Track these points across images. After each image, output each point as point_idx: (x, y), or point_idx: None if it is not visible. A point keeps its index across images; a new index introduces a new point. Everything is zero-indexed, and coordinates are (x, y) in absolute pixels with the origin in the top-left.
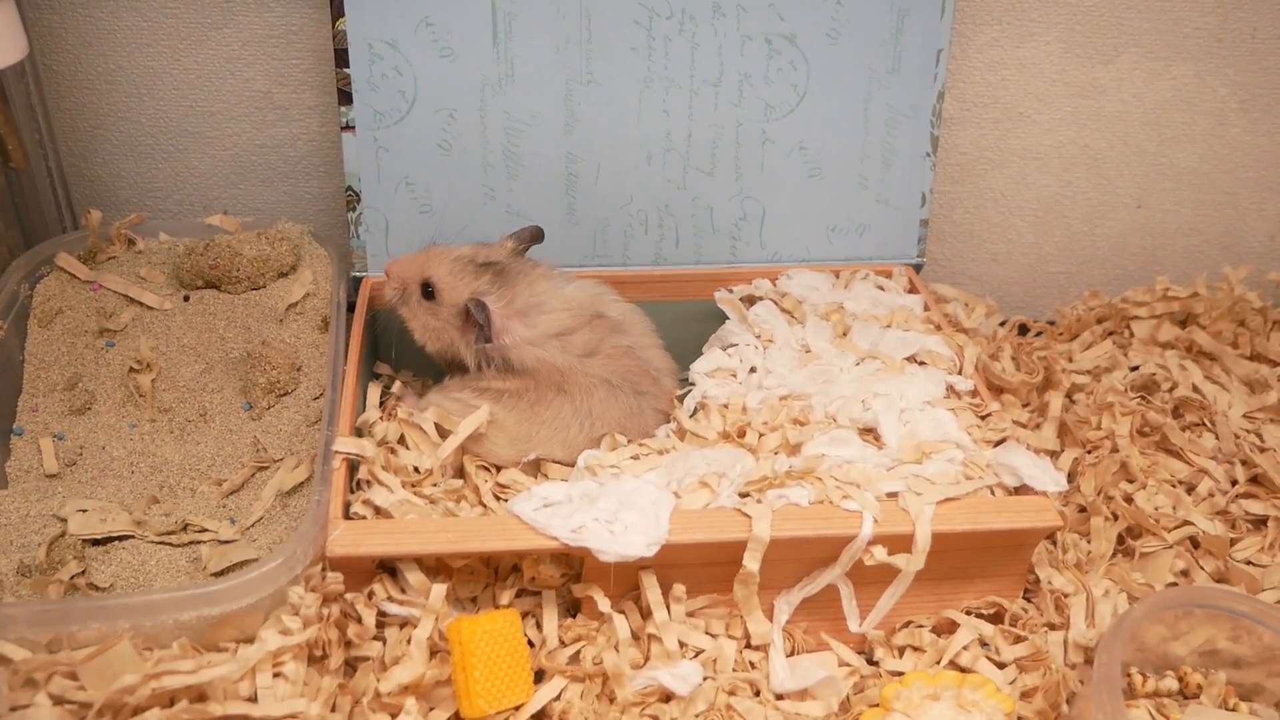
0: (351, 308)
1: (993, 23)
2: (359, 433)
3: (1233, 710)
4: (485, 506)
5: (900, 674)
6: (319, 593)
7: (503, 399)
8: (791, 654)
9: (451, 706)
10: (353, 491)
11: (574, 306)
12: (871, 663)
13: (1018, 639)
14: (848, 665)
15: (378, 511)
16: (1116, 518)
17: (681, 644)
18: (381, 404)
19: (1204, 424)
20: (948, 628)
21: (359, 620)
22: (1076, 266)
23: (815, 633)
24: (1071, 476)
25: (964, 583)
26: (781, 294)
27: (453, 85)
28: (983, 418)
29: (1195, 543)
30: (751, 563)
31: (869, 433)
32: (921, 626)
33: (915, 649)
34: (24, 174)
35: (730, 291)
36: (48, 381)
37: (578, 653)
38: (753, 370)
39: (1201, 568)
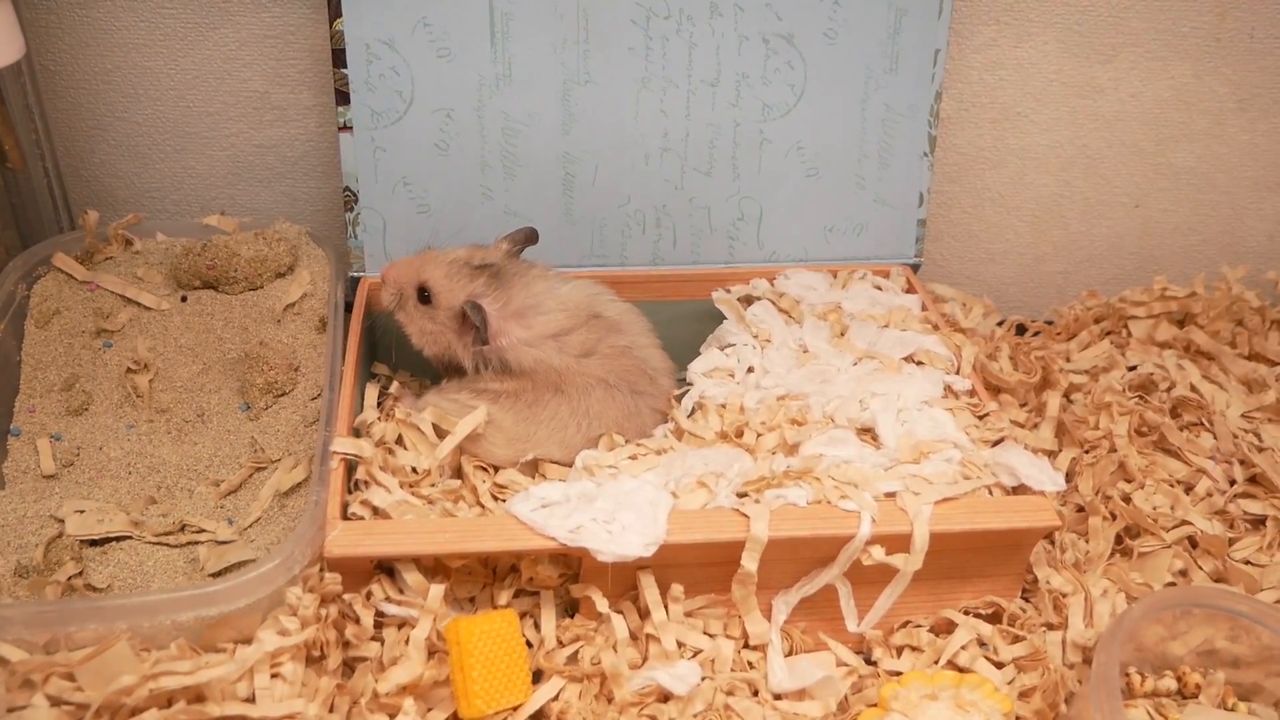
0: (349, 308)
1: (990, 22)
2: (357, 433)
3: (1231, 710)
4: (483, 507)
5: (898, 674)
6: (317, 593)
7: (500, 400)
8: (790, 654)
9: (450, 707)
10: (350, 492)
11: (570, 307)
12: (870, 663)
13: (1016, 639)
14: (846, 665)
15: (376, 512)
16: (1115, 517)
17: (680, 644)
18: (379, 404)
19: (1202, 424)
20: (946, 628)
21: (357, 621)
22: (1074, 266)
23: (813, 633)
24: (1069, 476)
25: (962, 582)
26: (779, 294)
27: (450, 85)
28: (980, 417)
29: (1193, 542)
30: (749, 563)
31: (866, 433)
32: (919, 626)
33: (913, 649)
34: (21, 174)
35: (728, 291)
36: (45, 382)
37: (576, 653)
38: (750, 370)
39: (1200, 567)
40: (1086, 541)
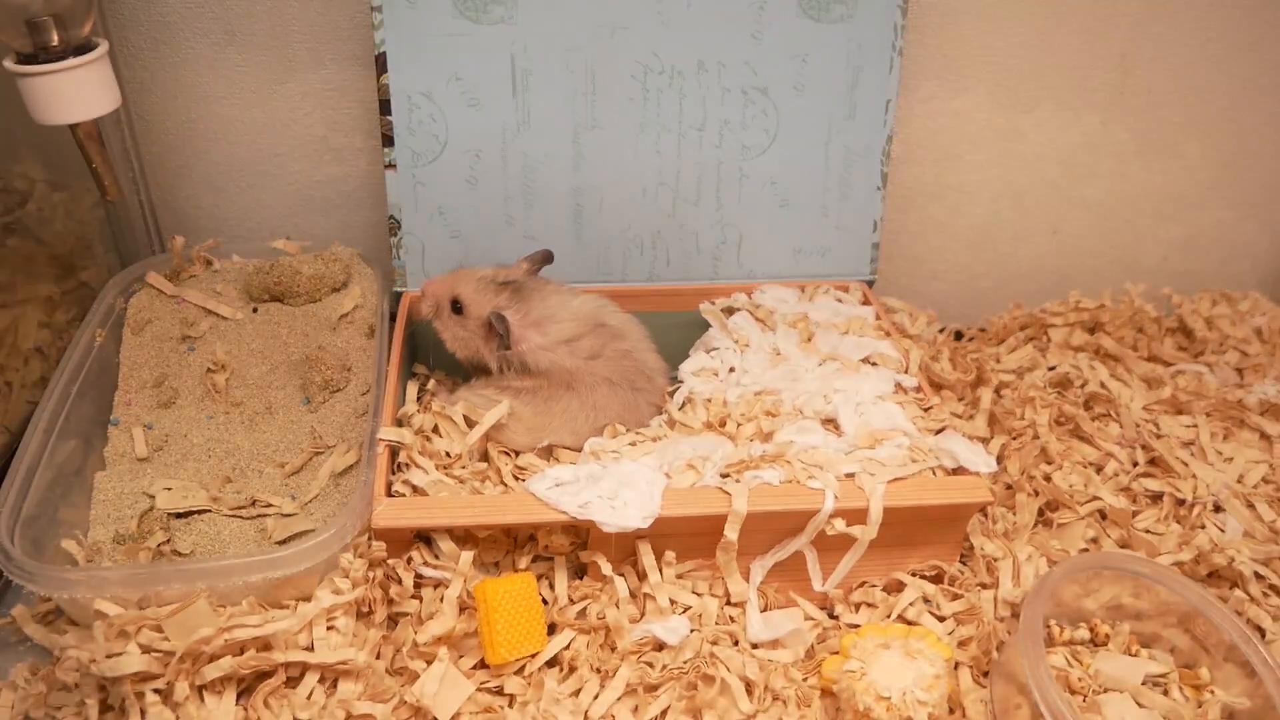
0: (393, 318)
1: (932, 78)
2: (399, 423)
3: (1135, 656)
4: (506, 485)
5: (857, 626)
6: (365, 559)
7: (521, 395)
8: (765, 610)
9: (478, 654)
10: (394, 473)
11: (580, 317)
12: (832, 617)
13: (955, 596)
14: (812, 619)
15: (415, 490)
16: (1037, 494)
17: (672, 601)
18: (419, 399)
19: (1110, 415)
20: (896, 587)
21: (399, 582)
22: (1003, 283)
23: (785, 591)
24: (1000, 459)
25: (910, 549)
26: (756, 305)
27: (478, 130)
28: (925, 410)
29: (1103, 515)
30: (731, 533)
31: (830, 423)
32: (874, 586)
33: (869, 605)
34: (119, 205)
35: (713, 304)
36: (139, 380)
37: (584, 609)
38: (731, 370)
39: (1108, 536)
40: (1014, 514)
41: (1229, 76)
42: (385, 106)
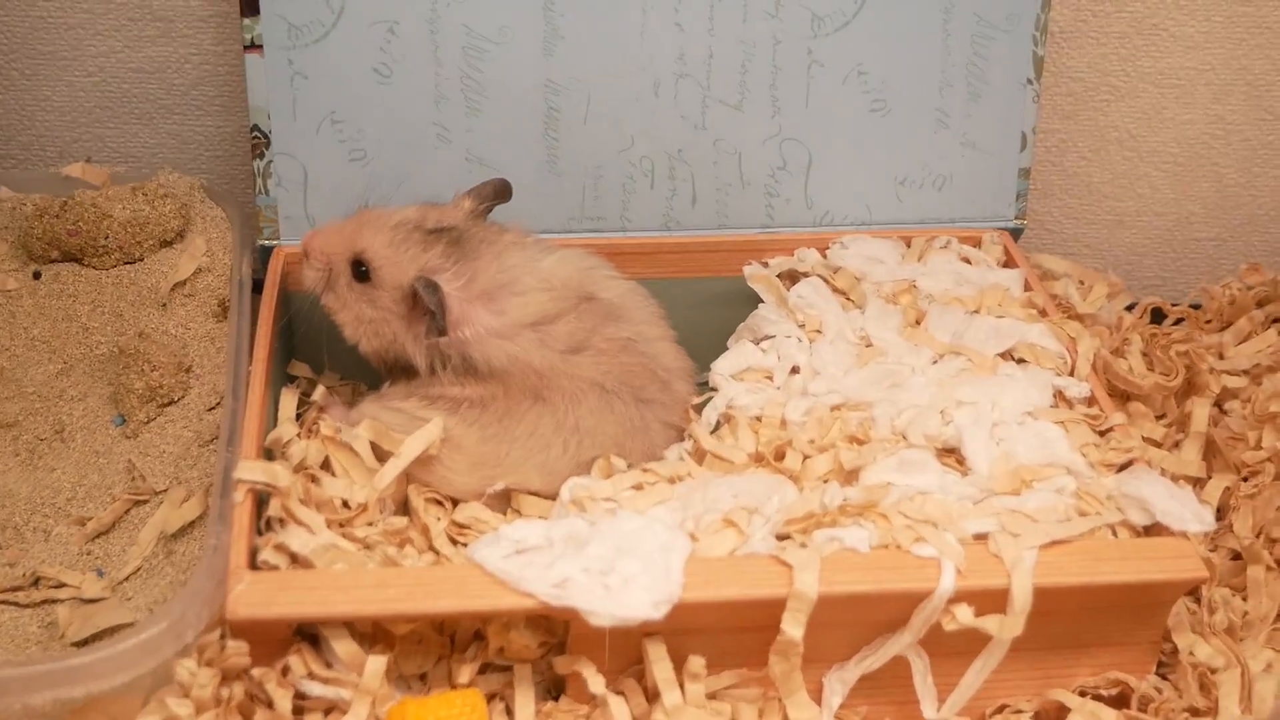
0: (259, 287)
1: None
2: (269, 455)
3: None
4: (437, 553)
5: None
6: (216, 668)
7: (461, 410)
8: None
9: None
10: (261, 533)
11: (556, 285)
12: None
13: None
14: None
15: (294, 560)
16: None
17: None
18: (299, 417)
19: None
20: (1056, 713)
21: (270, 705)
22: (1230, 231)
23: None
24: (1221, 512)
25: (1077, 653)
26: (834, 268)
27: None
28: (1102, 433)
29: None
30: (793, 627)
31: (950, 454)
32: (1021, 712)
33: None
34: None
35: (765, 265)
36: None
37: None
38: (795, 371)
39: None
40: (1244, 599)
41: None
42: None
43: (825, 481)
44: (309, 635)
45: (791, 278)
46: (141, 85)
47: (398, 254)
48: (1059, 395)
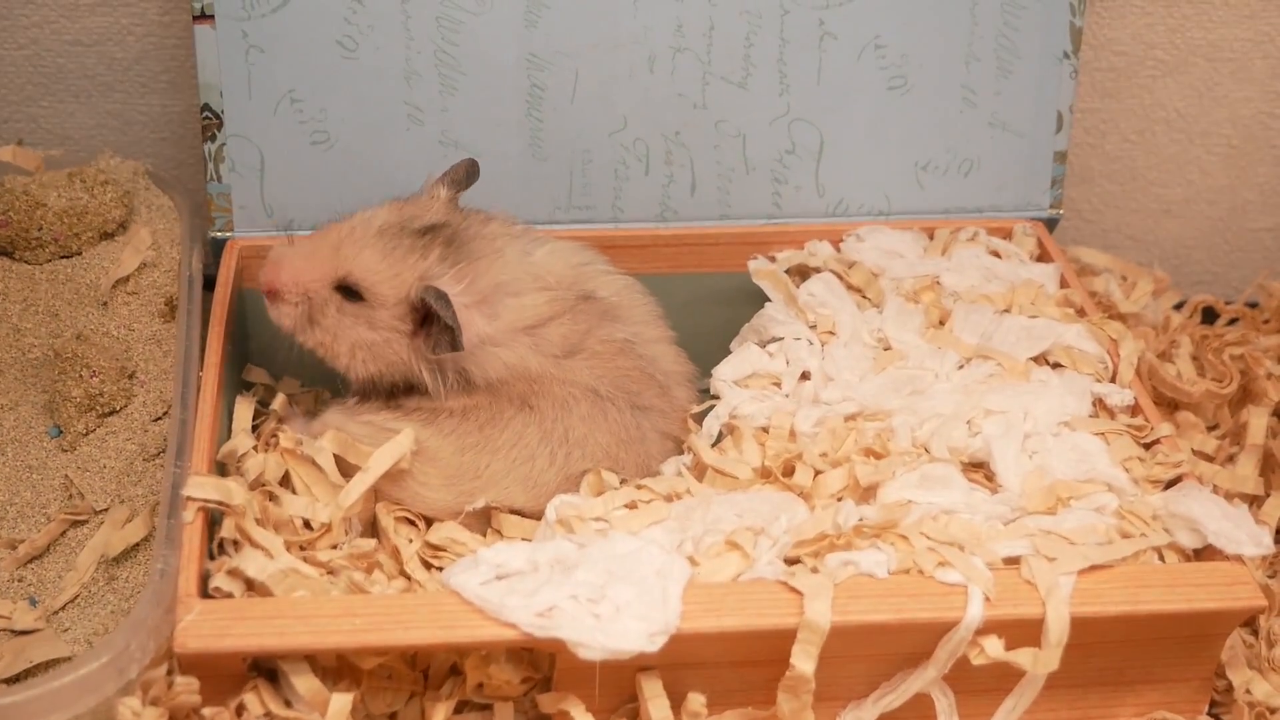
0: (210, 284)
1: None
2: (222, 470)
3: None
4: (409, 578)
5: None
6: (163, 707)
7: (437, 420)
8: None
9: None
10: (213, 557)
11: (552, 284)
12: None
13: None
14: None
15: (250, 587)
16: None
17: None
18: (255, 428)
19: None
20: None
21: None
22: None
23: None
24: None
25: (1120, 691)
26: (848, 263)
27: None
28: (1148, 446)
29: None
30: (803, 661)
31: (977, 469)
32: None
33: None
34: None
35: (772, 260)
36: None
37: None
38: (805, 377)
39: None
40: None
41: None
42: None
43: (839, 499)
44: (266, 670)
45: (801, 273)
46: (79, 59)
47: (394, 265)
48: (1099, 404)
